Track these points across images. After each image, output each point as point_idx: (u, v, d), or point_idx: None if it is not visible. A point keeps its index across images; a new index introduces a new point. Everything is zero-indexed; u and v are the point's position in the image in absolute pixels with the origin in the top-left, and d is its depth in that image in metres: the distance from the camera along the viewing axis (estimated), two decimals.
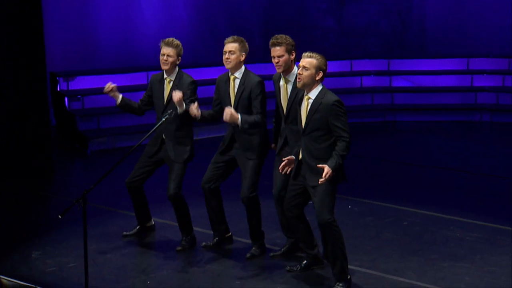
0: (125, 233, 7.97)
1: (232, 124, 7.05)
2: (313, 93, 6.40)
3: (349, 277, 6.52)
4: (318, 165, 6.26)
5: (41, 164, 10.28)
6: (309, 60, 6.37)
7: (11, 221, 8.60)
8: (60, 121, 12.30)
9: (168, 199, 7.46)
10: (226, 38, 7.23)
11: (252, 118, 7.01)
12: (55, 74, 12.25)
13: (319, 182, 6.25)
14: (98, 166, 11.19)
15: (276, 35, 6.93)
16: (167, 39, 7.43)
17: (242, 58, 7.15)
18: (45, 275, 6.99)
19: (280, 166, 6.64)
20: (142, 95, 13.20)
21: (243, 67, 7.20)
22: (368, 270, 7.01)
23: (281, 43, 6.85)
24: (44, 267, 7.19)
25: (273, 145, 7.29)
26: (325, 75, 6.44)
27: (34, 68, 10.07)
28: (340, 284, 6.47)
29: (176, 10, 14.52)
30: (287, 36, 6.92)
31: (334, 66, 14.13)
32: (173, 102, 7.27)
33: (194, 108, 7.09)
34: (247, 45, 7.20)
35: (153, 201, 8.12)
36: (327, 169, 6.20)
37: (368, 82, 14.93)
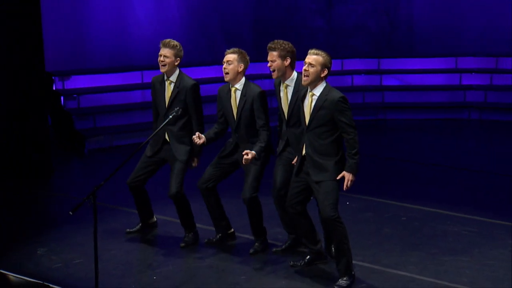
0: (128, 230, 8.04)
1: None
2: (318, 90, 6.50)
3: (353, 272, 6.64)
4: (337, 177, 6.39)
5: (41, 163, 10.31)
6: (315, 57, 6.46)
7: (13, 219, 8.66)
8: (55, 120, 12.34)
9: (170, 198, 7.53)
10: (227, 50, 7.30)
11: (261, 145, 7.09)
12: (51, 73, 12.29)
13: (344, 189, 6.38)
14: (96, 165, 11.28)
15: (274, 40, 6.98)
16: (165, 40, 7.44)
17: (241, 69, 7.18)
18: (52, 271, 7.06)
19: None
20: (135, 94, 13.36)
21: (243, 78, 7.24)
22: (370, 264, 7.12)
23: (275, 48, 6.90)
24: (50, 263, 7.26)
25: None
26: (329, 73, 6.55)
27: (33, 68, 10.11)
28: (345, 279, 6.58)
29: (169, 10, 14.60)
30: (285, 42, 6.95)
31: None
32: (175, 103, 7.34)
33: (196, 138, 7.19)
34: (247, 57, 7.23)
35: (155, 198, 8.18)
36: (347, 175, 6.33)
37: (358, 81, 15.09)
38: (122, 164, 6.30)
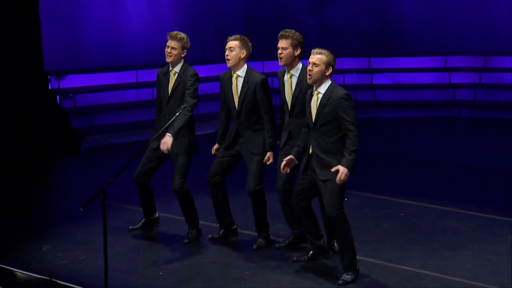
0: (131, 227, 8.11)
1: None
2: (323, 88, 6.58)
3: (357, 267, 6.75)
4: (332, 170, 6.43)
5: (40, 161, 10.35)
6: (319, 57, 6.53)
7: (14, 217, 8.68)
8: (52, 119, 12.37)
9: (173, 193, 7.58)
10: (229, 37, 7.37)
11: (270, 138, 7.22)
12: (46, 72, 12.31)
13: (336, 181, 6.41)
14: (94, 163, 11.33)
15: (287, 29, 7.09)
16: (172, 32, 7.55)
17: (243, 56, 7.26)
18: (58, 267, 7.11)
19: (281, 166, 6.81)
20: (130, 93, 13.41)
21: (245, 65, 7.32)
22: (373, 259, 7.22)
23: (288, 36, 7.00)
24: (55, 260, 7.31)
25: (278, 142, 7.46)
26: (334, 70, 6.63)
27: (32, 68, 10.15)
28: (350, 274, 6.69)
29: (162, 10, 14.65)
30: (297, 32, 7.06)
31: None
32: (177, 93, 7.44)
33: (215, 150, 7.56)
34: (249, 44, 7.31)
35: (156, 195, 8.16)
36: (341, 169, 6.38)
37: (350, 79, 15.20)
38: (132, 160, 6.34)
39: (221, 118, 7.57)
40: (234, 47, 7.24)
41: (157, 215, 8.18)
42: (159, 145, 7.56)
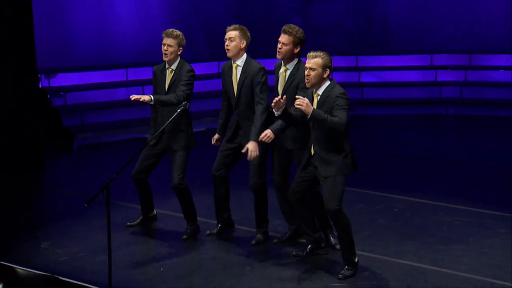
0: (128, 223, 8.15)
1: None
2: (321, 89, 6.65)
3: (356, 261, 6.85)
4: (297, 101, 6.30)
5: (33, 160, 10.37)
6: (315, 61, 6.57)
7: (10, 216, 8.69)
8: (43, 117, 12.38)
9: (173, 189, 7.62)
10: (228, 27, 7.41)
11: (260, 122, 7.18)
12: (37, 71, 12.32)
13: (295, 105, 6.30)
14: (87, 161, 11.36)
15: (290, 25, 7.13)
16: (167, 30, 7.59)
17: (243, 46, 7.32)
18: (59, 264, 7.14)
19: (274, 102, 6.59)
20: (120, 91, 13.43)
21: (245, 55, 7.37)
22: (370, 254, 7.32)
23: (290, 33, 7.04)
24: (56, 257, 7.34)
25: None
26: (331, 71, 6.70)
27: (26, 67, 10.18)
28: (349, 268, 6.79)
29: (151, 10, 14.71)
30: (300, 29, 7.12)
31: None
32: (173, 90, 7.49)
33: (215, 140, 7.63)
34: (248, 33, 7.36)
35: (153, 192, 8.22)
36: (308, 105, 6.26)
37: (338, 78, 15.27)
38: (134, 157, 6.41)
39: (222, 108, 7.62)
40: (234, 37, 7.28)
41: (155, 212, 8.24)
42: (157, 142, 7.63)
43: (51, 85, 12.66)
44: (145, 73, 12.87)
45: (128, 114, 12.67)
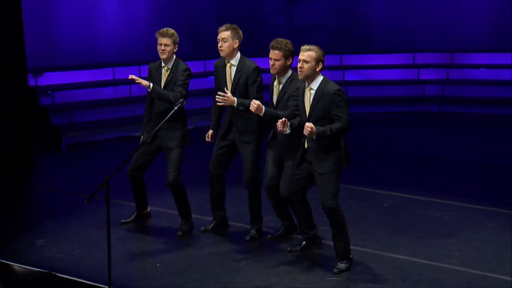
0: (122, 220, 8.20)
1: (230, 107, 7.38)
2: (315, 84, 6.72)
3: (351, 256, 6.96)
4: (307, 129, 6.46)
5: (21, 159, 10.38)
6: (308, 54, 6.65)
7: (2, 213, 8.71)
8: (31, 116, 12.39)
9: (168, 186, 7.69)
10: (220, 27, 7.47)
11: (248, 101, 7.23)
12: (26, 70, 12.33)
13: (304, 132, 6.47)
14: (76, 160, 11.40)
15: (278, 39, 7.13)
16: (162, 29, 7.63)
17: (236, 45, 7.40)
18: (55, 261, 7.18)
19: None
20: (107, 90, 13.45)
21: (238, 54, 7.46)
22: (363, 248, 7.43)
23: (280, 48, 7.05)
24: (52, 254, 7.38)
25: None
26: (324, 66, 6.80)
27: (15, 66, 10.20)
28: (344, 262, 6.89)
29: (136, 10, 14.75)
30: (288, 42, 7.12)
31: None
32: (169, 88, 7.57)
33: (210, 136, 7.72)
34: (240, 33, 7.43)
35: (148, 189, 8.26)
36: (311, 127, 6.42)
37: None
38: (131, 155, 6.46)
39: (214, 104, 7.68)
40: (226, 38, 7.36)
41: (149, 209, 8.30)
42: (152, 139, 7.69)
43: (38, 84, 12.66)
44: (132, 72, 12.79)
45: (116, 112, 12.72)
